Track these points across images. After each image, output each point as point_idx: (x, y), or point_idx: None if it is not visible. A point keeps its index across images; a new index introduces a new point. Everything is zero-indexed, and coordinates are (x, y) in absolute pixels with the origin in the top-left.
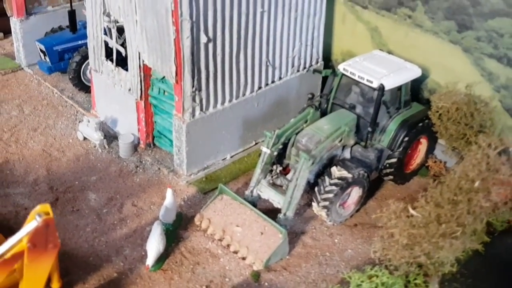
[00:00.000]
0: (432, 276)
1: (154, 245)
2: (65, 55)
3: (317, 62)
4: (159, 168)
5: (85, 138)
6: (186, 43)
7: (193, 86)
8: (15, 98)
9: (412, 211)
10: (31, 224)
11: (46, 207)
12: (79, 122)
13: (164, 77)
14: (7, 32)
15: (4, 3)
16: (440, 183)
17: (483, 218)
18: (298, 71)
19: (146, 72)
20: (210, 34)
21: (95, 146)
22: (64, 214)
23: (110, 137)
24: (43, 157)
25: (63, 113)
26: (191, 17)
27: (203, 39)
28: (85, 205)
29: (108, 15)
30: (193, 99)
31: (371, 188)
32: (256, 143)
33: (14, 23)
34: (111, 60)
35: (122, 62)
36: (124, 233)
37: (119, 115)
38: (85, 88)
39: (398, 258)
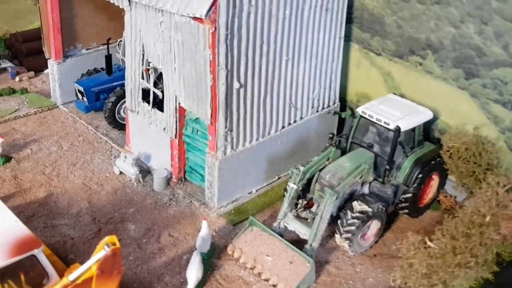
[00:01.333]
0: None
1: (194, 272)
2: (101, 96)
3: (334, 103)
4: (190, 201)
5: (121, 173)
6: (222, 89)
7: (226, 127)
8: (53, 134)
9: (429, 243)
10: (101, 253)
11: (113, 238)
12: (115, 157)
13: (197, 118)
14: (38, 71)
15: (43, 46)
16: (455, 217)
17: (493, 249)
18: (317, 111)
19: (181, 113)
20: (242, 80)
21: (130, 180)
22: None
23: (144, 171)
24: (83, 190)
25: (99, 149)
26: (226, 67)
27: (236, 85)
28: (126, 235)
29: (147, 62)
30: (225, 139)
31: (388, 221)
32: (278, 178)
33: (52, 65)
34: (147, 102)
35: (157, 103)
36: (163, 261)
37: (152, 151)
38: (119, 126)
39: (417, 286)
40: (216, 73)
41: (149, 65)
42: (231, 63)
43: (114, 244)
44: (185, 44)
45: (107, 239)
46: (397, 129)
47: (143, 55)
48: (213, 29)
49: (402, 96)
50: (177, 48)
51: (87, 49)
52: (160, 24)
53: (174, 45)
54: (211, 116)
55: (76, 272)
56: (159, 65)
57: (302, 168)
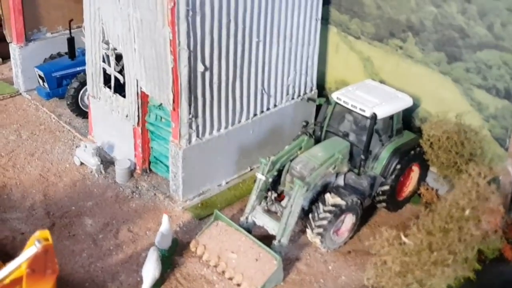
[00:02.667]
0: None
1: (150, 271)
2: (63, 81)
3: (311, 90)
4: (155, 194)
5: (82, 164)
6: (184, 72)
7: (189, 113)
8: (13, 123)
9: (404, 239)
10: (31, 249)
11: (46, 233)
12: (76, 147)
13: (161, 104)
14: (6, 57)
15: (4, 29)
16: (432, 211)
17: (474, 246)
18: (292, 99)
19: (143, 99)
20: (207, 63)
21: (91, 172)
22: (60, 239)
23: (107, 162)
24: (40, 182)
25: (60, 138)
26: (188, 47)
27: (200, 68)
28: (81, 231)
29: (107, 43)
30: (190, 126)
31: (365, 215)
32: (251, 169)
33: (14, 49)
34: (109, 87)
35: (120, 88)
36: (120, 258)
37: (116, 141)
38: (83, 114)
39: (391, 285)
40: (177, 54)
41: (108, 47)
42: (194, 43)
43: (46, 239)
44: (144, 22)
45: (38, 233)
46: (373, 116)
47: (103, 35)
48: (172, 4)
49: (382, 82)
50: (136, 26)
51: (52, 33)
52: (118, 0)
53: (133, 23)
54: (173, 101)
55: (2, 272)
56: (119, 46)
57: (272, 158)
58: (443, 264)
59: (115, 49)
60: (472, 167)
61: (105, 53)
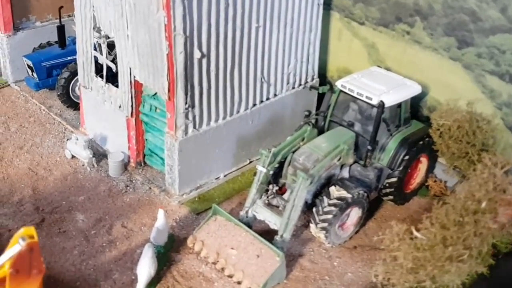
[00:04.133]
0: None
1: (145, 268)
2: (53, 71)
3: (312, 79)
4: (150, 188)
5: (73, 157)
6: (179, 59)
7: (186, 103)
8: (0, 115)
9: (416, 233)
10: (14, 248)
11: (31, 230)
12: (67, 140)
13: (156, 93)
14: None
15: None
16: (445, 203)
17: (490, 240)
18: (293, 88)
19: (137, 88)
20: (204, 49)
21: (83, 165)
22: (50, 236)
23: (100, 155)
24: (29, 176)
25: (51, 130)
26: (184, 32)
27: (197, 54)
28: (73, 227)
29: (99, 30)
30: (186, 116)
31: (370, 209)
32: (250, 162)
33: (1, 38)
34: (101, 76)
35: (112, 78)
36: (113, 256)
37: (109, 133)
38: (74, 105)
39: (402, 282)
40: (172, 40)
41: (101, 34)
42: (190, 29)
43: (31, 237)
44: (137, 6)
45: (22, 231)
46: (381, 105)
47: (94, 22)
48: None
49: (387, 70)
50: (129, 11)
51: (41, 21)
52: None
53: (126, 8)
54: (169, 90)
55: None
56: (111, 32)
57: (273, 149)
58: (458, 259)
59: (107, 36)
60: (487, 157)
61: (97, 41)
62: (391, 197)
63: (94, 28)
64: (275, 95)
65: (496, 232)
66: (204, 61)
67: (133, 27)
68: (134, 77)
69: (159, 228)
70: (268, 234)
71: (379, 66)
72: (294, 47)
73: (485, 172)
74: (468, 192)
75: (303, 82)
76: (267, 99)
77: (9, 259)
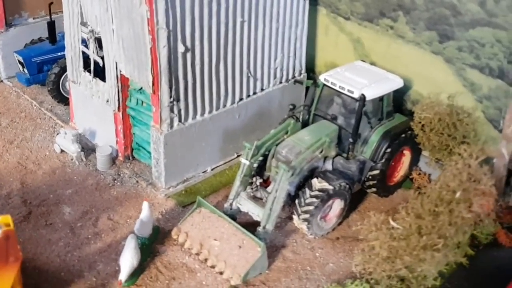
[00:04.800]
0: None
1: (128, 259)
2: (44, 67)
3: (300, 74)
4: (137, 181)
5: (62, 151)
6: (163, 52)
7: (170, 96)
8: None
9: (392, 223)
10: None
11: (7, 218)
12: (56, 134)
13: (142, 87)
14: None
15: None
16: (421, 194)
17: (465, 230)
18: (280, 82)
19: (123, 82)
20: (188, 43)
21: (72, 159)
22: (36, 228)
23: (88, 149)
24: (18, 170)
25: (41, 125)
26: (167, 26)
27: (181, 48)
28: (59, 219)
29: (86, 25)
30: (171, 110)
31: (354, 201)
32: (237, 155)
33: None
34: (89, 71)
35: (101, 73)
36: (98, 247)
37: (97, 127)
38: (64, 100)
39: (379, 271)
40: (155, 34)
41: (88, 28)
42: (174, 22)
43: (8, 225)
44: (121, 1)
45: None
46: (362, 98)
47: (81, 17)
48: None
49: (372, 64)
50: (113, 6)
51: (34, 18)
52: None
53: (111, 2)
54: (153, 84)
55: None
56: (97, 27)
57: (256, 142)
58: (433, 248)
59: (93, 31)
60: (463, 148)
61: (86, 36)
62: (374, 189)
63: (81, 23)
64: (262, 89)
65: (471, 222)
66: (188, 55)
67: (118, 21)
68: (120, 71)
69: (143, 220)
70: (253, 226)
71: (363, 61)
72: (281, 42)
73: (459, 162)
74: (443, 182)
75: (290, 76)
76: (254, 93)
77: None
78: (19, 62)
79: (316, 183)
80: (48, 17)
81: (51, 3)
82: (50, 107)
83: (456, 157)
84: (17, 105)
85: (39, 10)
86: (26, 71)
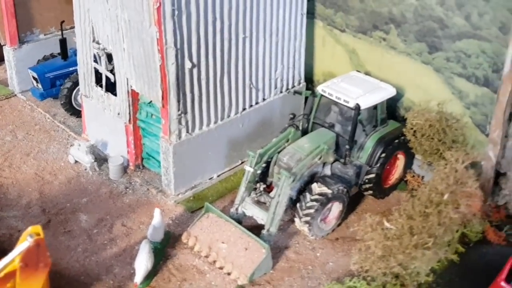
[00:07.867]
0: (409, 286)
1: (142, 262)
2: (57, 82)
3: (299, 83)
4: (148, 189)
5: (76, 162)
6: (171, 69)
7: (178, 109)
8: (8, 124)
9: (386, 224)
10: (23, 244)
11: (37, 228)
12: (71, 146)
13: (151, 101)
14: (0, 60)
15: None
16: (412, 196)
17: (454, 229)
18: (281, 92)
19: (134, 96)
20: (194, 60)
21: (86, 169)
22: (56, 235)
23: (101, 159)
24: (35, 180)
25: (55, 137)
26: (175, 45)
27: (188, 65)
28: (76, 226)
29: (98, 43)
30: (179, 122)
31: (352, 203)
32: (242, 162)
33: (8, 51)
34: (101, 86)
35: (111, 87)
36: (114, 252)
37: (109, 138)
38: (76, 113)
39: (375, 269)
40: (164, 52)
41: (99, 47)
42: (181, 41)
43: (38, 234)
44: (132, 22)
45: (30, 229)
46: (357, 107)
47: (93, 36)
48: (158, 4)
49: (367, 73)
50: (124, 27)
51: (45, 34)
52: (106, 1)
53: (122, 24)
54: (162, 98)
55: None
56: (109, 46)
57: (259, 151)
58: (424, 247)
59: (105, 49)
60: (449, 153)
61: (97, 53)
62: (370, 192)
63: (93, 41)
64: (264, 99)
65: (458, 222)
66: (195, 70)
67: (129, 41)
68: (131, 86)
69: (155, 225)
70: (257, 229)
71: (358, 71)
72: (281, 55)
73: (447, 167)
74: (432, 186)
75: (290, 86)
76: (256, 103)
77: (18, 254)
78: (33, 77)
79: (316, 187)
80: (60, 34)
81: (63, 21)
82: (63, 119)
83: (443, 162)
84: (31, 118)
85: (49, 26)
86: (40, 86)
